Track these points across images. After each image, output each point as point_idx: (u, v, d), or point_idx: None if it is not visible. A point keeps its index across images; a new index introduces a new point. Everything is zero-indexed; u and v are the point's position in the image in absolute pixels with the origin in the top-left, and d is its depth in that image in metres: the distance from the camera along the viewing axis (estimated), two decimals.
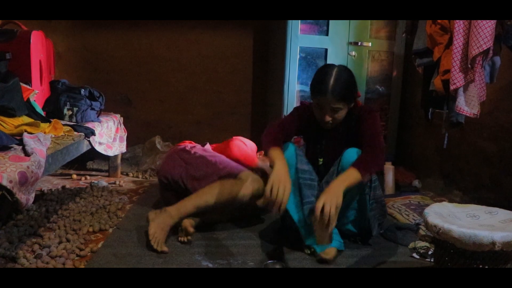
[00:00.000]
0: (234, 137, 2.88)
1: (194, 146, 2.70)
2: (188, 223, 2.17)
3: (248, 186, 2.29)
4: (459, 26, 2.23)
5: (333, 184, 1.88)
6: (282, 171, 1.92)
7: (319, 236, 1.87)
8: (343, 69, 2.13)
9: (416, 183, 3.48)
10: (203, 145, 2.80)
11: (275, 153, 2.02)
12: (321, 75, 2.12)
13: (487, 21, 2.10)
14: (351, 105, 2.15)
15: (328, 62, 3.50)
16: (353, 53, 3.60)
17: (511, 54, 2.49)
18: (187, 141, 2.86)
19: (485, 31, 2.11)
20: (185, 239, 2.15)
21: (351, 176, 1.91)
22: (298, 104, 3.66)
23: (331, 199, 1.80)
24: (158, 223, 2.10)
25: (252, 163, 2.72)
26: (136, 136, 3.97)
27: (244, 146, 2.78)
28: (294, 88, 3.55)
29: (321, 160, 2.29)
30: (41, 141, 2.04)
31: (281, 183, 1.87)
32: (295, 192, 2.11)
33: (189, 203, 2.22)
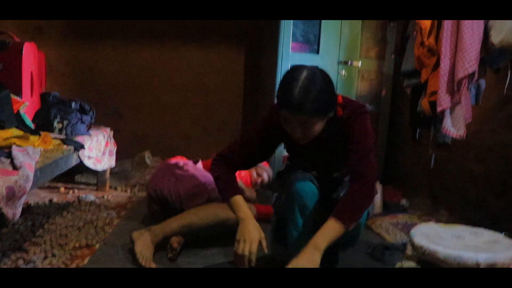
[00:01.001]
0: None
1: (187, 163, 2.70)
2: (175, 240, 2.17)
3: None
4: (445, 49, 2.27)
5: (309, 246, 1.61)
6: (248, 227, 1.73)
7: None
8: (314, 73, 1.65)
9: (404, 202, 3.50)
10: (195, 162, 2.81)
11: (237, 204, 1.81)
12: (286, 83, 1.65)
13: (473, 45, 2.15)
14: (330, 115, 1.73)
15: None
16: (343, 72, 3.65)
17: (496, 77, 2.54)
18: (179, 157, 2.86)
19: (470, 54, 2.15)
20: (171, 255, 2.15)
21: (331, 232, 1.63)
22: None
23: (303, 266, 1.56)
24: (143, 241, 2.11)
25: (246, 184, 2.76)
26: (125, 150, 3.97)
27: None
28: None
29: (314, 173, 1.97)
30: (30, 154, 2.04)
31: (247, 240, 1.70)
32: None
33: (174, 223, 2.23)
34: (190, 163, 2.74)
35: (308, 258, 1.58)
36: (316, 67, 1.70)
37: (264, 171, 3.11)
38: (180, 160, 2.76)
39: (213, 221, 2.26)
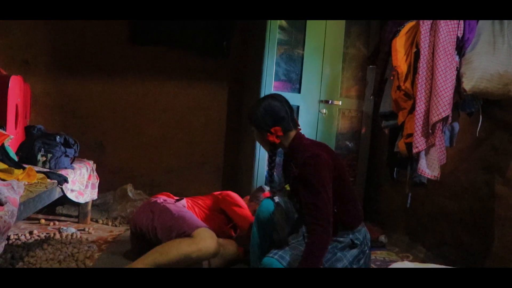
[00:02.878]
0: (225, 193, 2.94)
1: (166, 200, 2.73)
2: None
3: (197, 243, 2.26)
4: (421, 94, 2.38)
5: None
6: None
7: None
8: (267, 97, 2.24)
9: (382, 238, 3.56)
10: (178, 200, 2.83)
11: None
12: None
13: (446, 90, 2.27)
14: (265, 133, 2.18)
15: (300, 119, 3.64)
16: (324, 110, 3.76)
17: (469, 120, 2.67)
18: (165, 193, 2.88)
19: (444, 99, 2.27)
20: None
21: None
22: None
23: None
24: None
25: (244, 225, 2.78)
26: (107, 182, 3.97)
27: (239, 207, 2.85)
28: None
29: (287, 186, 2.34)
30: (15, 189, 2.06)
31: None
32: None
33: (138, 263, 2.22)
34: (169, 200, 2.76)
35: None
36: (275, 95, 2.26)
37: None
38: (161, 197, 2.79)
39: (175, 256, 2.22)
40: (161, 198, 2.73)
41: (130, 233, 2.71)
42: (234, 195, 2.93)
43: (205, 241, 2.26)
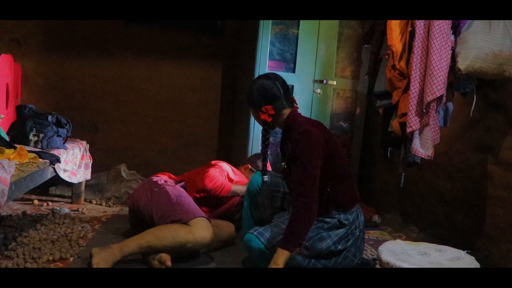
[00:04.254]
0: (213, 163, 2.92)
1: (167, 182, 2.68)
2: (168, 257, 2.20)
3: (193, 232, 2.24)
4: (415, 73, 2.37)
5: (271, 265, 1.97)
6: None
7: None
8: (261, 77, 2.31)
9: (376, 218, 3.59)
10: (178, 182, 2.80)
11: None
12: None
13: (441, 70, 2.26)
14: (258, 112, 2.23)
15: (295, 98, 3.61)
16: (319, 90, 3.74)
17: (463, 100, 2.66)
18: (166, 174, 2.86)
19: (438, 79, 2.25)
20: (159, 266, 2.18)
21: (282, 256, 1.97)
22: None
23: None
24: (102, 256, 2.10)
25: (224, 192, 2.75)
26: (101, 163, 3.95)
27: (219, 176, 2.78)
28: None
29: (283, 164, 2.37)
30: (5, 168, 2.04)
31: None
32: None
33: (133, 243, 2.21)
34: (170, 181, 2.72)
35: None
36: (269, 74, 2.31)
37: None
38: (163, 177, 2.75)
39: (171, 243, 2.20)
40: (162, 179, 2.70)
41: (128, 210, 2.71)
42: (222, 164, 2.92)
43: (201, 232, 2.25)
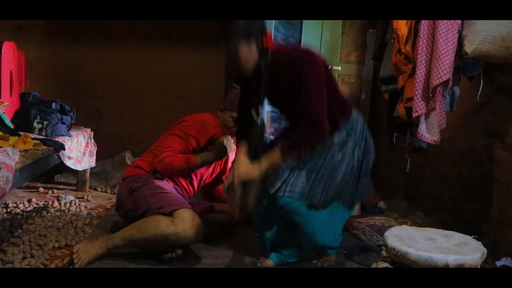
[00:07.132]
0: (179, 120, 2.75)
1: (141, 176, 2.43)
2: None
3: (176, 224, 2.07)
4: (421, 57, 2.34)
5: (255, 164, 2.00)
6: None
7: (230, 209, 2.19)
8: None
9: (381, 204, 3.57)
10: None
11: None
12: None
13: (447, 54, 2.22)
14: (258, 41, 1.98)
15: None
16: None
17: (470, 84, 2.62)
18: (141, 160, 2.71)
19: (445, 63, 2.22)
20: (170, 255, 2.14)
21: (272, 158, 2.00)
22: (269, 124, 3.75)
23: (240, 175, 1.98)
24: (86, 245, 2.05)
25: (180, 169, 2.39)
26: (106, 150, 3.96)
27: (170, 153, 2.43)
28: (265, 108, 3.62)
29: (254, 112, 2.14)
30: (10, 155, 2.04)
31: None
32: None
33: (117, 237, 2.11)
34: (143, 175, 2.45)
35: (252, 167, 2.01)
36: None
37: None
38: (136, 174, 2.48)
39: (152, 235, 2.06)
40: (136, 177, 2.44)
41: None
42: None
43: (184, 224, 2.07)
